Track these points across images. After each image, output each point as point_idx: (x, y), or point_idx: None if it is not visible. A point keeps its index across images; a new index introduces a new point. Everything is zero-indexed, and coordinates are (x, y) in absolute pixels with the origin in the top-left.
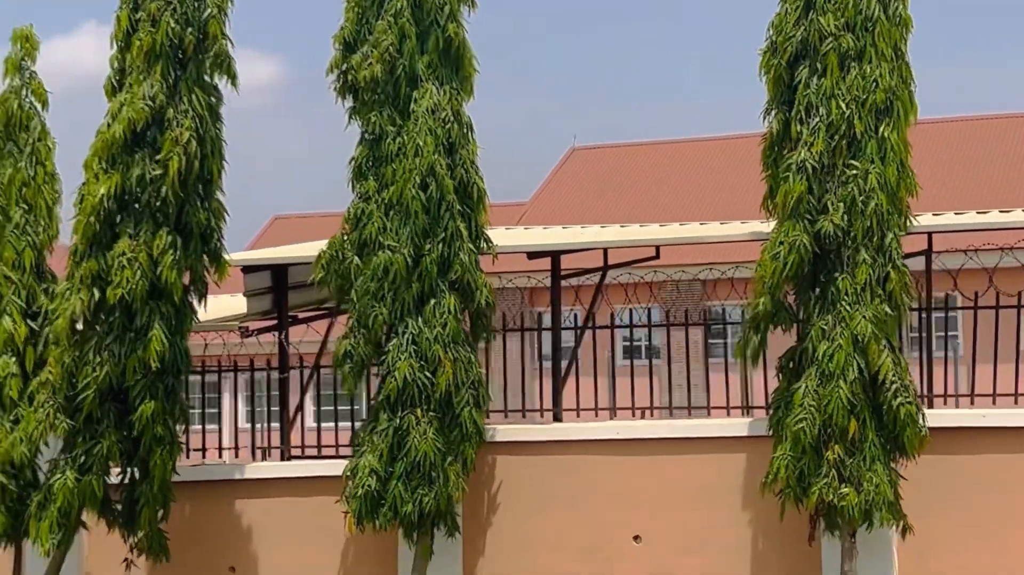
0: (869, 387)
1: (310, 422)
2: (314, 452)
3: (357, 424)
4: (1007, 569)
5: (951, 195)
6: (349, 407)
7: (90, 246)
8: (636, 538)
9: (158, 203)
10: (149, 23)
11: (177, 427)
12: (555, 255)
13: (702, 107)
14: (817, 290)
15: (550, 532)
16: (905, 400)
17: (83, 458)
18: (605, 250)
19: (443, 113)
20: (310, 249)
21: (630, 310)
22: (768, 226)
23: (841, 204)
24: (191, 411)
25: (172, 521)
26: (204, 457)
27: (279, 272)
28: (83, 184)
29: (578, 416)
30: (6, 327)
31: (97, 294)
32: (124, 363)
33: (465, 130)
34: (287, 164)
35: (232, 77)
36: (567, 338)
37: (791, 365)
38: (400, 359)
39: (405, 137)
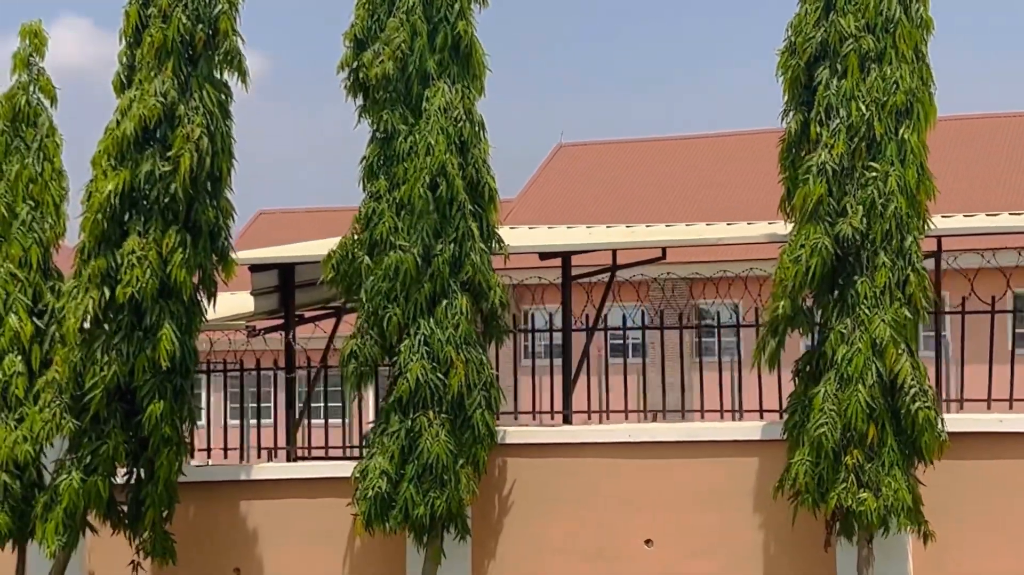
0: (888, 391)
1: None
2: (310, 453)
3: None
4: None
5: (954, 196)
6: (341, 406)
7: (98, 244)
8: (647, 542)
9: (168, 200)
10: (160, 19)
11: (184, 428)
12: (566, 256)
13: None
14: (835, 293)
15: (560, 535)
16: (923, 404)
17: (89, 458)
18: (614, 251)
19: (455, 112)
20: (317, 248)
21: (624, 313)
22: (783, 228)
23: (860, 207)
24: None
25: (177, 522)
26: (209, 457)
27: (286, 271)
28: (91, 181)
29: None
30: (12, 325)
31: (107, 293)
32: (132, 362)
33: (477, 128)
34: (268, 159)
35: (242, 74)
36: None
37: (808, 369)
38: (412, 360)
39: (417, 136)
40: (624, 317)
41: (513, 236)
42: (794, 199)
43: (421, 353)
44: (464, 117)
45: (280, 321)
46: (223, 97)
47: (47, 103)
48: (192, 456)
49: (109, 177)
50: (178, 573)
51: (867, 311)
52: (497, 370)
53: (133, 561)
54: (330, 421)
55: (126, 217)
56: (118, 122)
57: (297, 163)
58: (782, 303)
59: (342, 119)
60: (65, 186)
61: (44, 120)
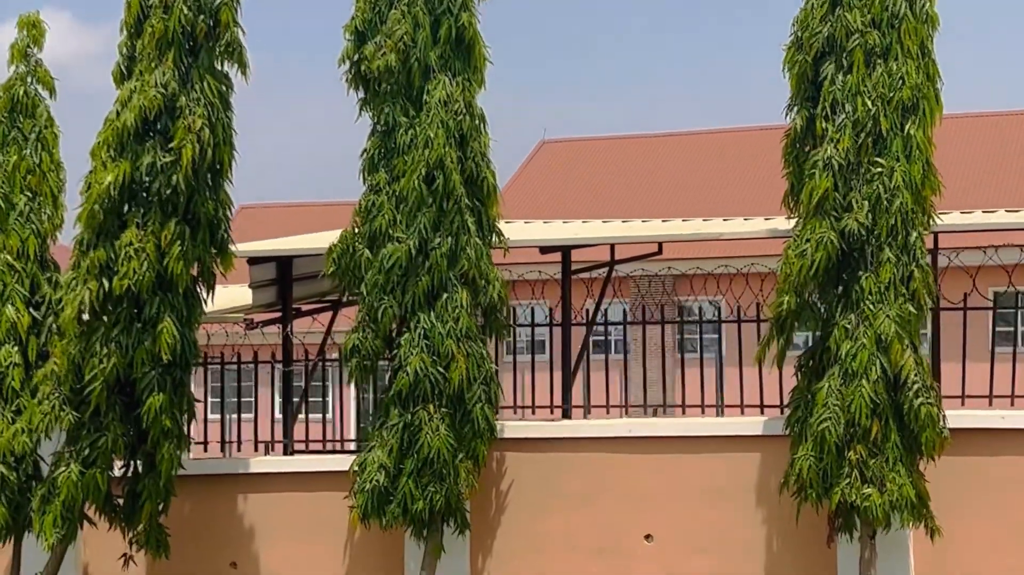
0: (891, 387)
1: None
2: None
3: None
4: None
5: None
6: (321, 400)
7: (97, 235)
8: (647, 537)
9: (168, 192)
10: (161, 9)
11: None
12: (566, 250)
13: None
14: (840, 288)
15: (560, 530)
16: (926, 400)
17: (87, 451)
18: (612, 245)
19: (455, 105)
20: (315, 240)
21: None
22: (783, 224)
23: (866, 202)
24: None
25: (173, 516)
26: (206, 451)
27: (283, 264)
28: (90, 172)
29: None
30: (9, 316)
31: (106, 284)
32: (132, 355)
33: (477, 122)
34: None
35: (243, 65)
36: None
37: (811, 364)
38: (412, 354)
39: (417, 129)
40: (624, 312)
41: (511, 230)
42: (799, 194)
43: (421, 346)
44: (464, 110)
45: (278, 314)
46: (224, 88)
47: (45, 94)
48: (188, 450)
49: (108, 168)
50: (174, 567)
51: (872, 307)
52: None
53: (125, 554)
54: (312, 416)
55: (125, 209)
56: (118, 113)
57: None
58: (787, 298)
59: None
60: (63, 178)
61: (42, 111)
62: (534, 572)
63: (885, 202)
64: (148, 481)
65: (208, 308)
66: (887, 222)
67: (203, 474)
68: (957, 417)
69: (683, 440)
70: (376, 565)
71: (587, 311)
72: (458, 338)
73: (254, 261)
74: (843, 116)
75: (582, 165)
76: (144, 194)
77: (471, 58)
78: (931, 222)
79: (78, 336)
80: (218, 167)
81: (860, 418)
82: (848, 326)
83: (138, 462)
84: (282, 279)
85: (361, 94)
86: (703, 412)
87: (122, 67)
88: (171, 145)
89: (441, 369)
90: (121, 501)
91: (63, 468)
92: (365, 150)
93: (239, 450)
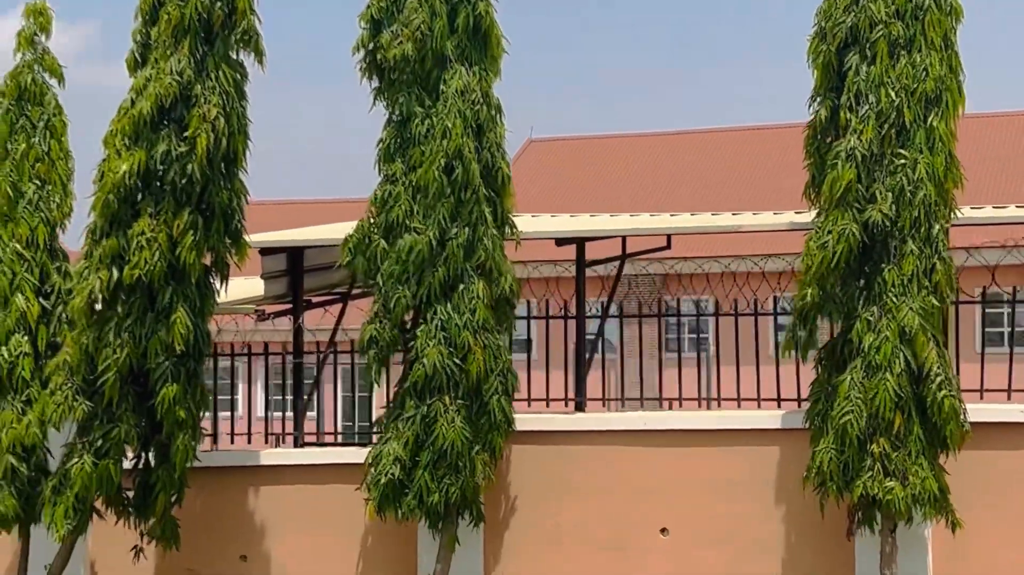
0: (914, 380)
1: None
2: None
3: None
4: None
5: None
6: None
7: (110, 224)
8: (663, 530)
9: (183, 181)
10: None
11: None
12: (580, 242)
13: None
14: (861, 281)
15: (574, 523)
16: (949, 393)
17: (100, 442)
18: (624, 239)
19: (472, 95)
20: (326, 231)
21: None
22: (803, 217)
23: (889, 194)
24: None
25: (183, 508)
26: (215, 443)
27: (294, 255)
28: (103, 161)
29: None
30: (19, 305)
31: (116, 274)
32: (145, 345)
33: (494, 112)
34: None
35: (259, 54)
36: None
37: (831, 356)
38: (429, 345)
39: (433, 119)
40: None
41: (523, 223)
42: (821, 185)
43: (438, 338)
44: (481, 100)
45: (289, 306)
46: (239, 77)
47: (53, 82)
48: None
49: (123, 157)
50: (184, 560)
51: (895, 299)
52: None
53: (136, 546)
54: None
55: (138, 198)
56: (132, 101)
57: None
58: (810, 291)
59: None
60: (71, 166)
61: (50, 99)
62: (548, 565)
63: (908, 194)
64: (161, 472)
65: (220, 299)
66: (910, 214)
67: (212, 466)
68: (976, 411)
69: (699, 433)
70: (388, 558)
71: (601, 305)
72: (475, 330)
73: (266, 252)
74: (866, 107)
75: (569, 164)
76: (158, 183)
77: (487, 47)
78: (952, 215)
79: (90, 326)
80: (232, 156)
81: (884, 411)
82: (871, 318)
83: (150, 454)
84: (293, 270)
85: (375, 83)
86: (699, 406)
87: (136, 55)
88: (186, 134)
89: (458, 361)
90: (131, 493)
91: (76, 459)
92: (381, 140)
93: (249, 442)
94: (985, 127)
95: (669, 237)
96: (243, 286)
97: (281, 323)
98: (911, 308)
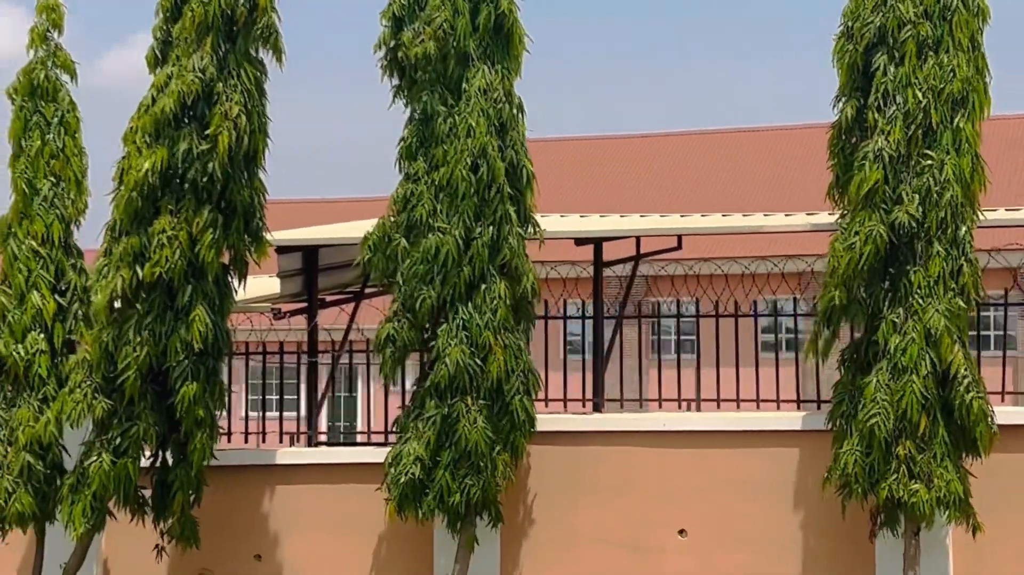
0: (939, 382)
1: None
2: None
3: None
4: None
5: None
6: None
7: (132, 222)
8: (681, 532)
9: (204, 180)
10: None
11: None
12: (598, 242)
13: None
14: (887, 282)
15: (591, 524)
16: (977, 395)
17: (118, 440)
18: (638, 239)
19: (495, 93)
20: (341, 230)
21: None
22: (824, 217)
23: (916, 195)
24: None
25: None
26: (229, 441)
27: (310, 254)
28: (123, 158)
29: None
30: (35, 302)
31: (139, 272)
32: (165, 343)
33: (516, 111)
34: None
35: (278, 52)
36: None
37: (855, 358)
38: (451, 345)
39: (457, 118)
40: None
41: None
42: (847, 185)
43: (460, 338)
44: (504, 99)
45: (304, 304)
46: (259, 75)
47: (66, 78)
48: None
49: (144, 154)
50: (198, 559)
51: (920, 301)
52: None
53: (158, 545)
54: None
55: (159, 195)
56: (154, 98)
57: None
58: (836, 292)
59: None
60: (86, 162)
61: (64, 95)
62: (565, 566)
63: (935, 195)
64: (179, 471)
65: (238, 297)
66: (937, 215)
67: (227, 465)
68: (1003, 414)
69: (718, 434)
70: (403, 558)
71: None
72: (496, 330)
73: (282, 250)
74: (894, 108)
75: (562, 164)
76: (178, 181)
77: (510, 46)
78: (978, 216)
79: (110, 324)
80: (253, 155)
81: (911, 413)
82: (896, 320)
83: (167, 453)
84: (308, 269)
85: (395, 81)
86: (696, 407)
87: (156, 51)
88: (207, 132)
89: (479, 361)
90: (148, 492)
91: (95, 457)
92: (402, 139)
93: (263, 441)
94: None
95: (680, 238)
96: (257, 284)
97: (292, 322)
98: (937, 310)
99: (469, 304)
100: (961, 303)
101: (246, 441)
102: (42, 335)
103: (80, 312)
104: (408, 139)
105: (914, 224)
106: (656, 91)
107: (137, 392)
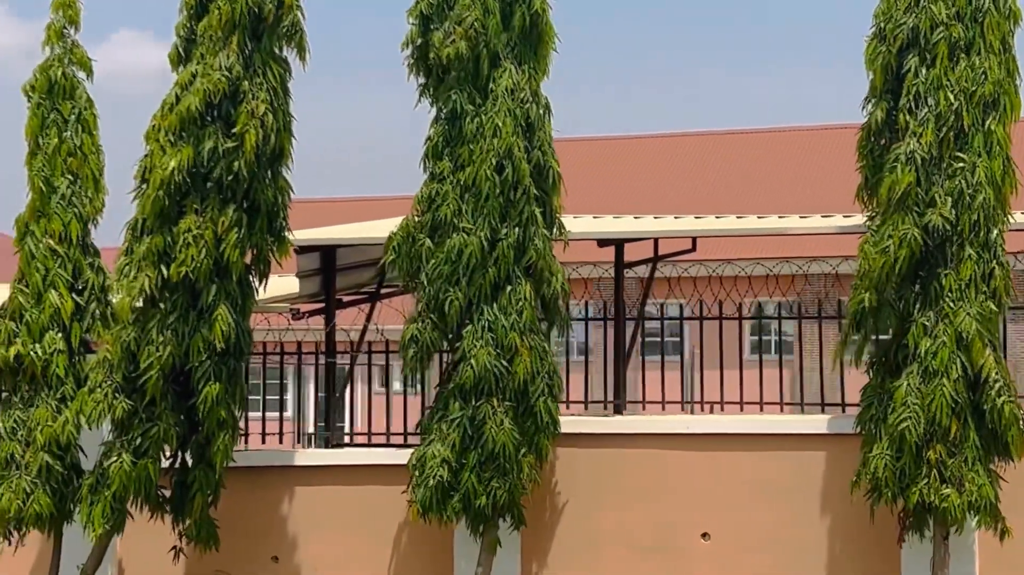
0: (970, 386)
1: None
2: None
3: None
4: None
5: None
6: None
7: (157, 221)
8: (704, 535)
9: (230, 178)
10: None
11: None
12: (619, 243)
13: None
14: (917, 286)
15: (613, 526)
16: (1008, 399)
17: (139, 441)
18: (656, 240)
19: (522, 93)
20: (359, 230)
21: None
22: (850, 220)
23: (948, 198)
24: None
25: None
26: (245, 443)
27: (327, 253)
28: (145, 156)
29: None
30: (52, 301)
31: (164, 271)
32: (187, 343)
33: (543, 111)
34: None
35: (302, 50)
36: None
37: (883, 361)
38: (477, 346)
39: (483, 117)
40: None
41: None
42: (876, 187)
43: (486, 339)
44: (531, 99)
45: (323, 305)
46: (283, 73)
47: (84, 75)
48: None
49: (169, 153)
50: (216, 561)
51: (952, 304)
52: None
53: (175, 547)
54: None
55: (183, 194)
56: (178, 97)
57: None
58: (867, 296)
59: None
60: (103, 160)
61: (81, 92)
62: (587, 568)
63: (967, 198)
64: (199, 472)
65: (259, 297)
66: (969, 218)
67: (245, 466)
68: None
69: (742, 438)
70: (422, 560)
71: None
72: (522, 331)
73: (301, 250)
74: (925, 110)
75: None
76: (203, 180)
77: (539, 46)
78: (1009, 219)
79: (132, 323)
80: (278, 154)
81: (941, 417)
82: (927, 323)
83: (187, 453)
84: (326, 269)
85: (422, 80)
86: (702, 409)
87: (179, 49)
88: (234, 131)
89: (505, 363)
90: (167, 492)
91: (115, 458)
92: (428, 138)
93: (280, 442)
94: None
95: (695, 240)
96: (275, 284)
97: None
98: (968, 313)
99: (494, 305)
100: (992, 306)
101: (263, 442)
102: (60, 335)
103: (98, 312)
104: (434, 138)
105: (947, 227)
106: (662, 92)
107: (159, 392)
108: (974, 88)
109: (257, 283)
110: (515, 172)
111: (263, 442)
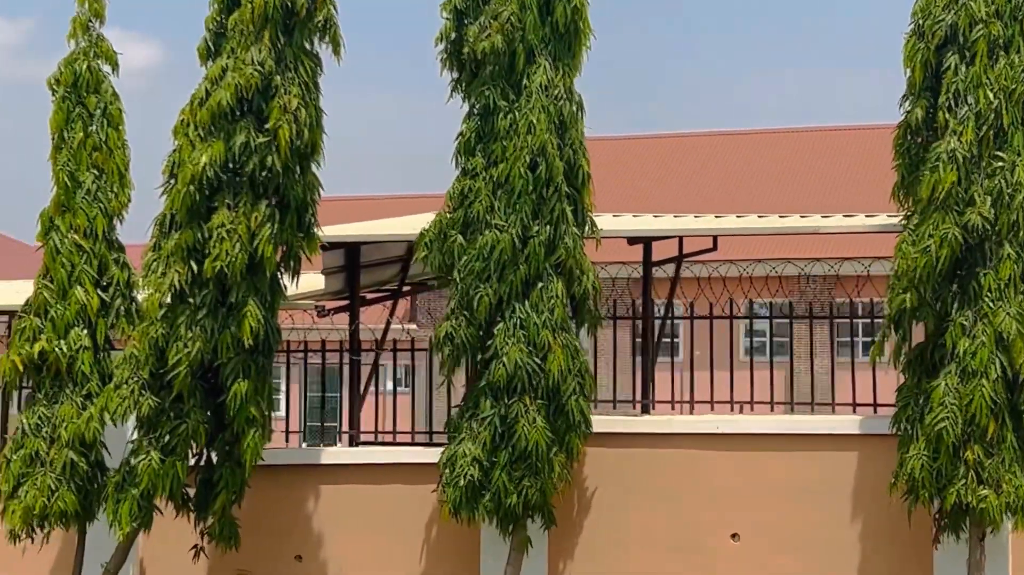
0: (1009, 387)
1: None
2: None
3: None
4: None
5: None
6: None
7: (186, 216)
8: (733, 536)
9: (263, 173)
10: None
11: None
12: (647, 241)
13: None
14: (955, 285)
15: (642, 527)
16: None
17: (167, 438)
18: (680, 239)
19: (556, 90)
20: (384, 227)
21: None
22: (885, 219)
23: (988, 197)
24: None
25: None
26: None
27: (352, 250)
28: (174, 151)
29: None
30: (79, 297)
31: (195, 267)
32: (216, 339)
33: (576, 109)
34: (158, 150)
35: (336, 44)
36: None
37: (919, 360)
38: (509, 344)
39: (517, 114)
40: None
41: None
42: (912, 186)
43: (518, 336)
44: (565, 96)
45: (347, 302)
46: (315, 68)
47: (109, 69)
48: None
49: (200, 148)
50: (238, 560)
51: (991, 304)
52: None
53: (196, 545)
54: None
55: (214, 189)
56: (207, 91)
57: None
58: (908, 295)
59: None
60: (128, 155)
61: (107, 87)
62: (615, 569)
63: (1007, 197)
64: (225, 470)
65: (288, 293)
66: (1008, 218)
67: (268, 464)
68: None
69: (773, 438)
70: (448, 559)
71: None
72: (554, 329)
73: (326, 247)
74: (965, 108)
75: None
76: (234, 175)
77: (574, 43)
78: None
79: (160, 319)
80: (310, 150)
81: (980, 418)
82: (965, 323)
83: (214, 451)
84: (350, 266)
85: (455, 74)
86: (708, 408)
87: (209, 43)
88: (267, 126)
89: (538, 360)
90: (192, 491)
91: (143, 456)
92: (460, 133)
93: (320, 440)
94: None
95: (715, 239)
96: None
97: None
98: (1008, 313)
99: (526, 303)
100: None
101: (287, 441)
102: (85, 331)
103: (123, 308)
104: (467, 134)
105: (986, 226)
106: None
107: (187, 389)
108: (1013, 87)
109: (288, 280)
110: (548, 169)
111: (286, 441)
